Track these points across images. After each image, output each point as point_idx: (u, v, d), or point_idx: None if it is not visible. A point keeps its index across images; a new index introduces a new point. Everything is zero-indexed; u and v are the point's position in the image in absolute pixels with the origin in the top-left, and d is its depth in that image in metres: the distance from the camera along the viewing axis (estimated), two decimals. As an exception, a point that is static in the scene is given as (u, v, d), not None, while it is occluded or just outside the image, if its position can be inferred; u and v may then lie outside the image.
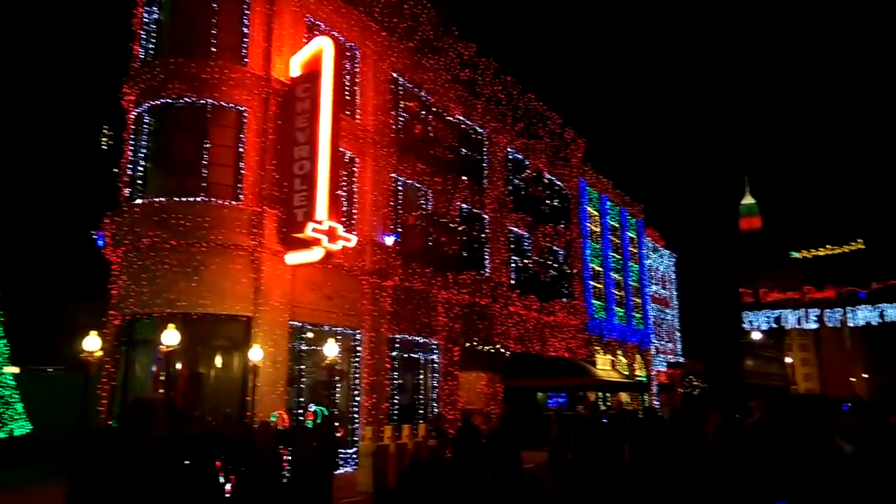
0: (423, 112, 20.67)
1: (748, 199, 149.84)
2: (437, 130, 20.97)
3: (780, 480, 9.20)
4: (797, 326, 76.66)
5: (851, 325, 78.72)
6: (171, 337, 13.07)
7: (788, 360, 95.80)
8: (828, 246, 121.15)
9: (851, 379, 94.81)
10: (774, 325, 70.43)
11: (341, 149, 17.33)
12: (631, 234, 40.85)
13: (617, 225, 38.86)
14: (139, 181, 15.96)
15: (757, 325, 69.35)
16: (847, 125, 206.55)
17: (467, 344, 22.09)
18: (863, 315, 71.94)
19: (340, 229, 15.87)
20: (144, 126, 16.19)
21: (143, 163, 16.03)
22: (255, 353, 14.58)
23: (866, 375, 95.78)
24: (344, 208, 18.20)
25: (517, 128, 27.82)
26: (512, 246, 26.61)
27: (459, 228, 21.17)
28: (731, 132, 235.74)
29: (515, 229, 27.02)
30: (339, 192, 17.39)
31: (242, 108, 16.19)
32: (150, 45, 16.75)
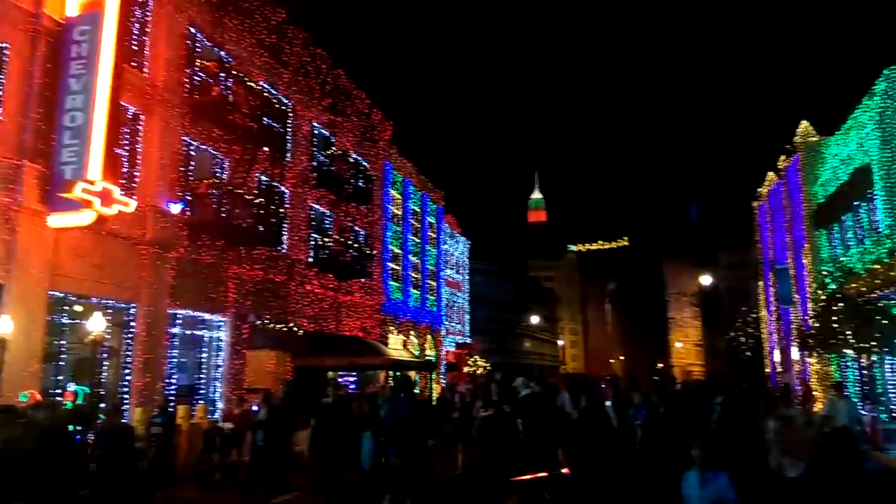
0: (223, 74, 19.38)
1: (537, 195, 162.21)
2: (237, 95, 19.79)
3: (548, 450, 10.06)
4: (570, 312, 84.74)
5: (614, 311, 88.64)
6: None
7: (560, 342, 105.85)
8: (599, 241, 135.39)
9: (611, 360, 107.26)
10: (547, 311, 77.22)
11: (123, 103, 15.68)
12: (431, 220, 42.17)
13: (418, 209, 39.88)
14: None
15: (535, 309, 75.46)
16: (623, 139, 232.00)
17: (258, 322, 21.33)
18: (622, 304, 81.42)
19: (117, 192, 14.36)
20: None
21: None
22: (4, 325, 12.73)
23: (623, 357, 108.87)
24: (124, 169, 16.51)
25: (325, 103, 27.26)
26: (312, 223, 26.13)
27: (256, 201, 20.27)
28: (526, 132, 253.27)
29: (317, 206, 26.55)
30: (118, 150, 15.72)
31: (3, 45, 13.93)
32: None
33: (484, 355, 54.17)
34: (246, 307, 20.97)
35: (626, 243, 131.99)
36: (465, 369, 45.35)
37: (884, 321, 19.77)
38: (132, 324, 16.62)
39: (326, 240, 26.06)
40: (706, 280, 65.21)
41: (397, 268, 35.77)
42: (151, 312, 16.92)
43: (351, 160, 27.90)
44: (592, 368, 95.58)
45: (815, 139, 33.13)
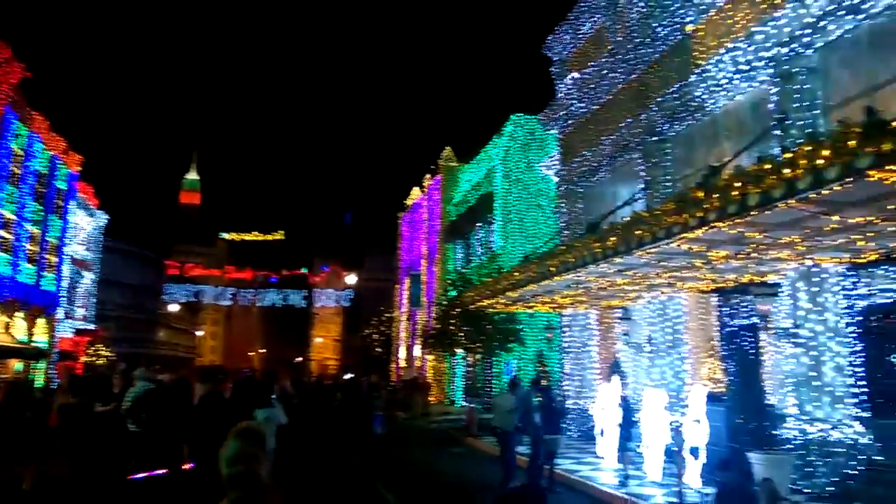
0: None
1: (193, 175, 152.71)
2: None
3: (172, 446, 9.47)
4: (213, 302, 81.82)
5: (260, 305, 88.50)
6: None
7: (200, 332, 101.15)
8: (254, 232, 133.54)
9: (250, 353, 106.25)
10: (194, 299, 73.48)
11: None
12: (60, 186, 36.54)
13: (45, 172, 34.21)
14: None
15: (177, 297, 71.03)
16: (290, 137, 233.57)
17: None
18: (270, 297, 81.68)
19: None
20: None
21: None
22: None
23: (264, 350, 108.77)
24: None
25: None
26: None
27: None
28: (188, 108, 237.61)
29: None
30: None
31: None
32: None
33: (110, 344, 48.83)
34: None
35: (281, 237, 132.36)
36: (84, 359, 40.30)
37: (488, 326, 23.42)
38: None
39: None
40: (351, 280, 69.19)
41: (8, 236, 30.14)
42: None
43: (-44, 98, 22.64)
44: (232, 361, 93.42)
45: (454, 164, 37.83)
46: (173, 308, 73.38)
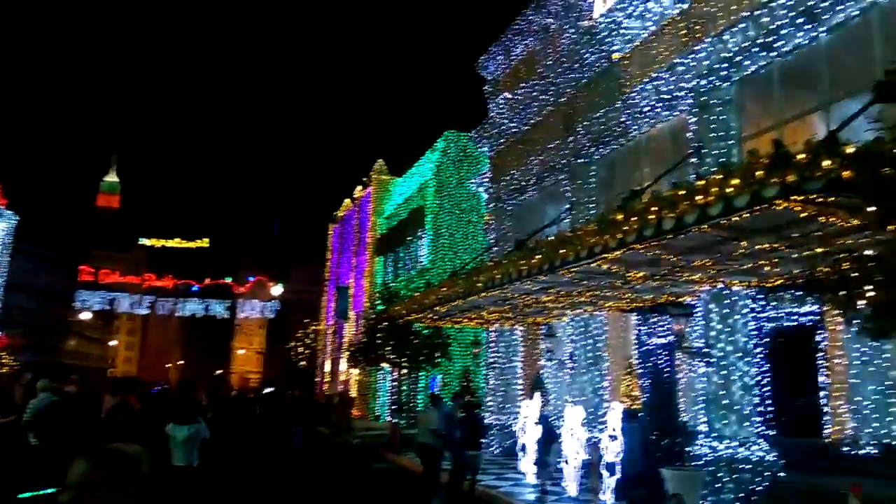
0: None
1: (112, 177, 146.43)
2: None
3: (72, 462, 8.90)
4: (129, 311, 78.30)
5: (180, 314, 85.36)
6: None
7: (114, 342, 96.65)
8: (177, 239, 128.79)
9: (168, 365, 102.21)
10: (108, 307, 70.11)
11: None
12: (-38, 182, 34.29)
13: (-55, 166, 32.06)
14: None
15: (90, 305, 67.69)
16: (215, 141, 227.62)
17: None
18: (191, 307, 78.88)
19: None
20: None
21: None
22: None
23: (182, 361, 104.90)
24: None
25: None
26: None
27: None
28: (107, 104, 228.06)
29: None
30: None
31: None
32: None
33: (14, 352, 45.95)
34: None
35: (205, 244, 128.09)
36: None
37: (415, 340, 23.32)
38: None
39: None
40: (277, 291, 67.82)
41: None
42: None
43: None
44: (148, 372, 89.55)
45: (386, 177, 37.71)
46: (85, 316, 69.83)
